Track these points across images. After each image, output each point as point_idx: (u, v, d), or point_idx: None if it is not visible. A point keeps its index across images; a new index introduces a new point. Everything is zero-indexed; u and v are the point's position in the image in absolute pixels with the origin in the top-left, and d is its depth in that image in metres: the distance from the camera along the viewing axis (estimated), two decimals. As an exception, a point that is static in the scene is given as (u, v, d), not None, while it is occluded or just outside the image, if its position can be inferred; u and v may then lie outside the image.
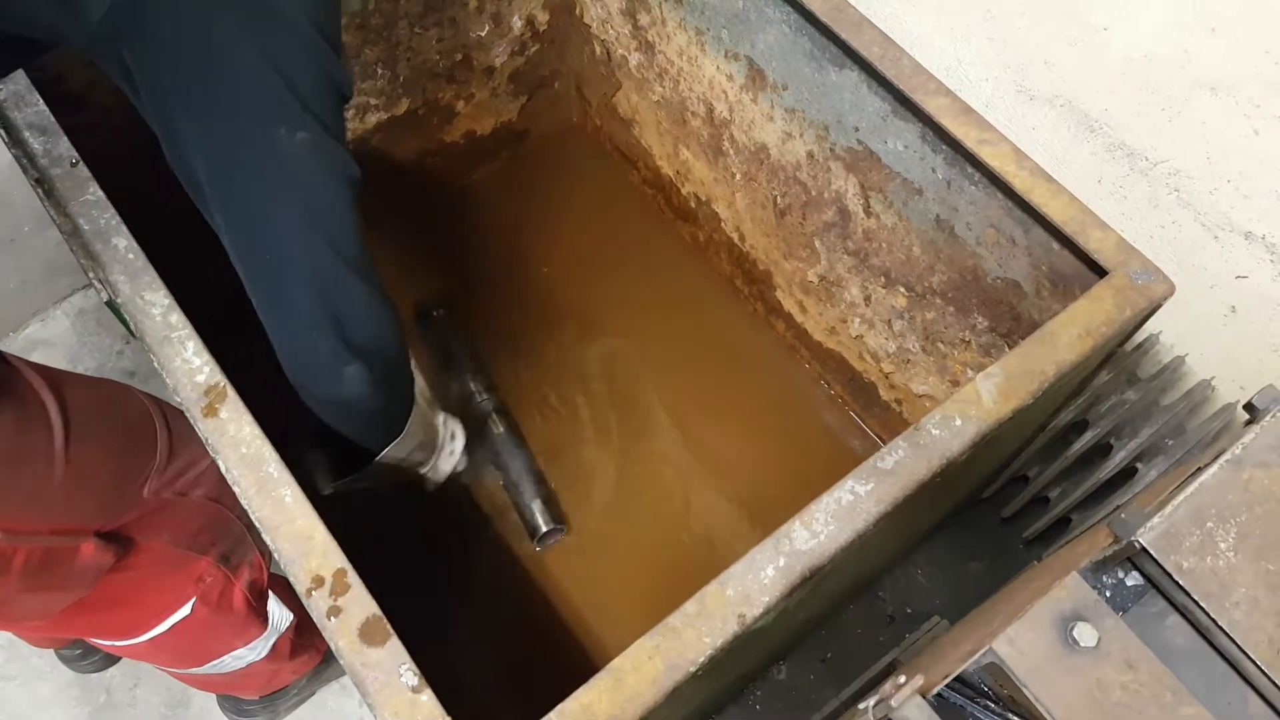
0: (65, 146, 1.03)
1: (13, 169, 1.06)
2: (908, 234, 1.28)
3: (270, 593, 1.33)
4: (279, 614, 1.35)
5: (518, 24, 1.68)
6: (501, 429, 1.60)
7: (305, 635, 1.46)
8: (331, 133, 0.84)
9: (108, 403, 1.09)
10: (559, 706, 0.76)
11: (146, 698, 1.67)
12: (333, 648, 0.79)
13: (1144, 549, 0.71)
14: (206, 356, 0.92)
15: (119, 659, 1.69)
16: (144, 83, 0.80)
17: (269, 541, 0.84)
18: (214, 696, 1.65)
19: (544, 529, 1.52)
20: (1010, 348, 0.95)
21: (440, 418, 1.20)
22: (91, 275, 1.01)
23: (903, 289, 1.36)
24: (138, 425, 1.11)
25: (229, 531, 1.21)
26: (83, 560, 1.00)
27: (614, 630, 1.49)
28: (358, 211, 0.88)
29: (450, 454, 1.21)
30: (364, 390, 0.89)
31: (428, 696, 0.77)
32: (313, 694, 1.67)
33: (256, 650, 1.35)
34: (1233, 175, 1.17)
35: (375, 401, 0.93)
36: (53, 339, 1.95)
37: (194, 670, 1.34)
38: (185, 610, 1.18)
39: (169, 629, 1.19)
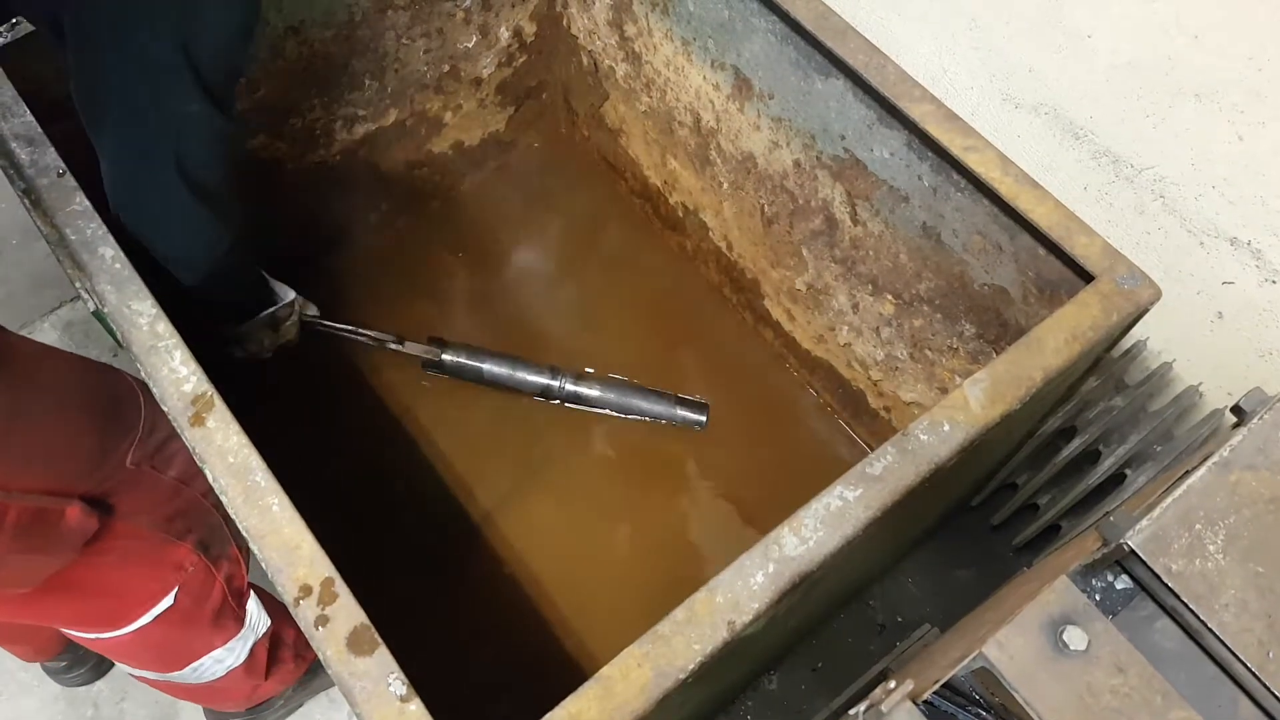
0: (52, 157, 1.03)
1: (-1, 182, 1.06)
2: (894, 241, 1.28)
3: (251, 593, 1.34)
4: (257, 615, 1.36)
5: (505, 35, 1.68)
6: (580, 387, 1.65)
7: (281, 648, 1.46)
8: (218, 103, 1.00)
9: (93, 370, 1.13)
10: (548, 715, 0.75)
11: (133, 711, 1.66)
12: (320, 657, 0.79)
13: (1133, 552, 0.71)
14: (194, 365, 0.91)
15: (105, 672, 1.68)
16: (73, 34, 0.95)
17: (256, 551, 0.83)
18: (200, 709, 1.64)
19: (705, 420, 1.65)
20: (998, 354, 0.96)
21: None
22: (78, 285, 1.00)
23: (890, 296, 1.36)
24: (121, 393, 1.14)
25: (204, 519, 1.22)
26: (68, 523, 1.02)
27: (603, 638, 1.48)
28: (226, 157, 1.08)
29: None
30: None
31: (416, 705, 0.76)
32: (300, 705, 1.66)
33: (235, 653, 1.35)
34: (1217, 181, 1.18)
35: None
36: (39, 352, 1.94)
37: (176, 675, 1.34)
38: (169, 600, 1.20)
39: (154, 620, 1.20)
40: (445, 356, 1.63)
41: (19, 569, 1.02)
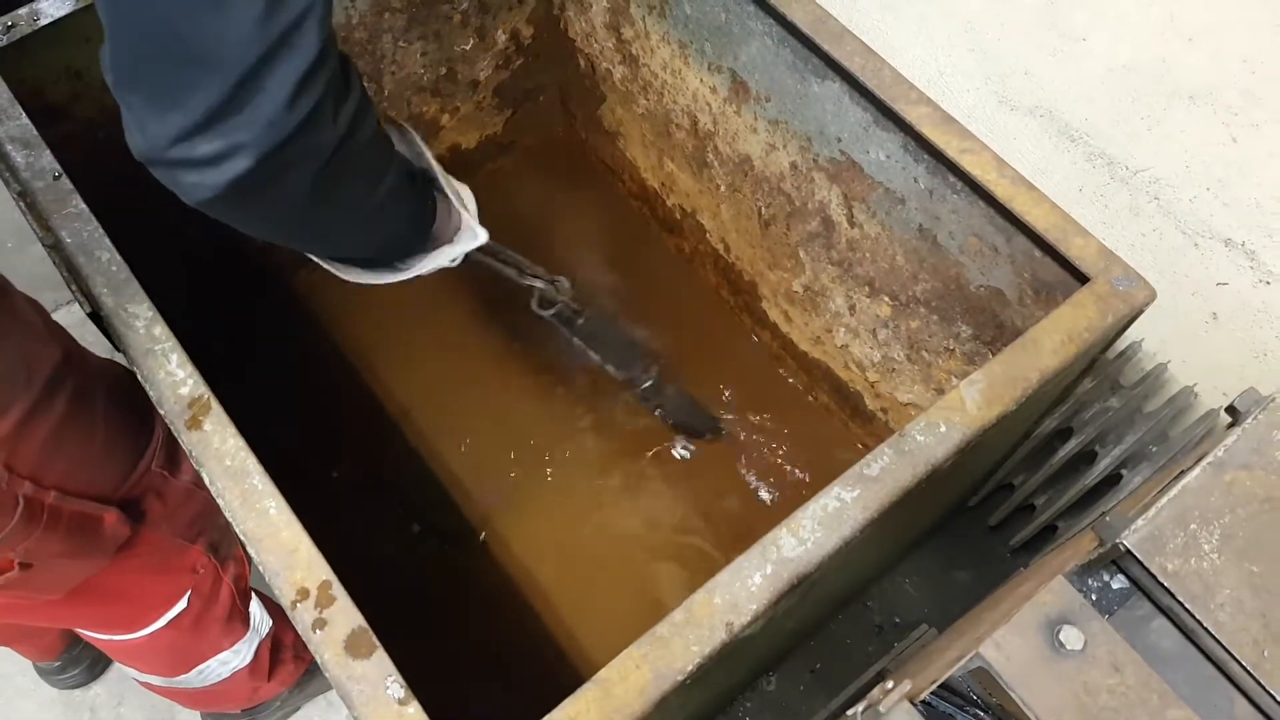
0: (48, 160, 1.03)
1: (-6, 184, 1.06)
2: (891, 243, 1.29)
3: (253, 594, 1.35)
4: (260, 616, 1.37)
5: (502, 38, 1.68)
6: (661, 388, 1.60)
7: (282, 649, 1.47)
8: None
9: (127, 378, 1.14)
10: (546, 717, 0.75)
11: (131, 716, 1.66)
12: (318, 660, 0.79)
13: (1129, 551, 0.71)
14: (191, 369, 0.91)
15: (100, 674, 1.68)
16: None
17: (253, 555, 0.83)
18: (198, 713, 1.64)
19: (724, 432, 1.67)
20: (994, 355, 0.96)
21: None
22: (74, 289, 1.00)
23: (887, 298, 1.36)
24: (143, 398, 1.15)
25: (214, 521, 1.23)
26: (106, 529, 1.04)
27: (601, 639, 1.49)
28: None
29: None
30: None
31: (414, 709, 0.76)
32: (297, 708, 1.65)
33: (241, 655, 1.36)
34: (1212, 183, 1.18)
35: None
36: (35, 355, 1.93)
37: (181, 679, 1.34)
38: (182, 604, 1.21)
39: (168, 623, 1.21)
40: (580, 320, 1.48)
41: (59, 573, 1.03)
